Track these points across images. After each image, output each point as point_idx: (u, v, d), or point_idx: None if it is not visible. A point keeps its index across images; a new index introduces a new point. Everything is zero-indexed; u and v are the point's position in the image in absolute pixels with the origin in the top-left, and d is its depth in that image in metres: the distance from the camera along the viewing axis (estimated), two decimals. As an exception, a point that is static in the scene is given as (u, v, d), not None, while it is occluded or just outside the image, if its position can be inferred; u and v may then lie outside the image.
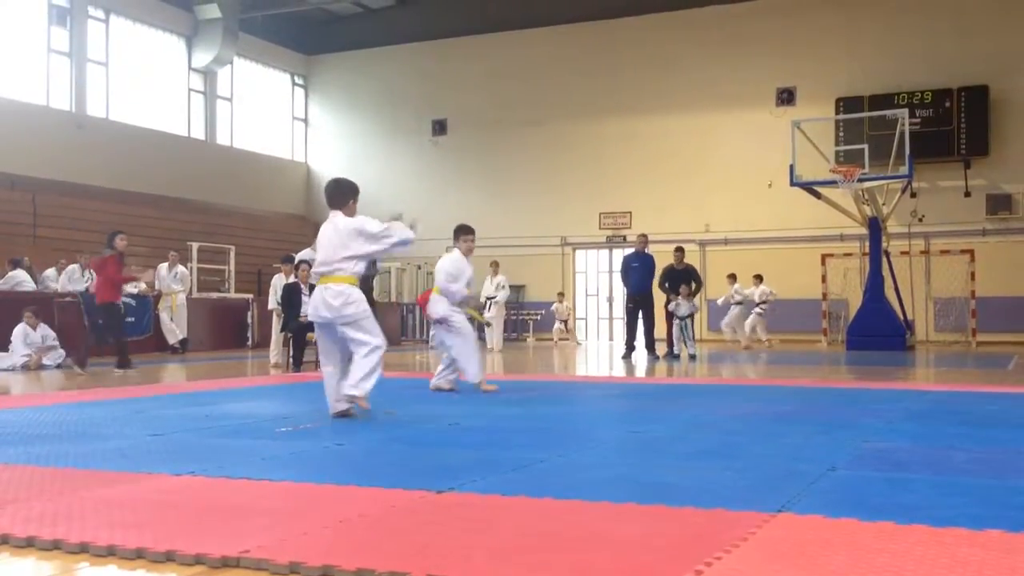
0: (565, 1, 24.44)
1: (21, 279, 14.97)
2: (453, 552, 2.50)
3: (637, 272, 14.37)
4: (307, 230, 22.14)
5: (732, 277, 18.92)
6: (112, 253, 11.22)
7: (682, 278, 14.40)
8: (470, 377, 7.74)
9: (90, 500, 3.22)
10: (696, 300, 14.89)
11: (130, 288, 16.33)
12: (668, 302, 14.39)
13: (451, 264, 7.96)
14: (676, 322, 14.32)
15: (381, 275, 21.57)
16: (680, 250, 14.84)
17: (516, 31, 24.96)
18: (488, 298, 17.10)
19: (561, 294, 22.77)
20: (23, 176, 19.10)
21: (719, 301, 19.57)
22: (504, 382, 9.04)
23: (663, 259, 14.97)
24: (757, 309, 18.77)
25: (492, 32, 25.18)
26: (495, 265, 17.86)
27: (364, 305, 5.83)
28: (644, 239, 14.83)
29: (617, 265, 21.40)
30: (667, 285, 14.37)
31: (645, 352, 14.36)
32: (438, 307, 7.85)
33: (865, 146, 16.75)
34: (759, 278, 19.08)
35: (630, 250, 16.16)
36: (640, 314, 14.40)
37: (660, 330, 14.85)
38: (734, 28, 22.84)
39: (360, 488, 3.43)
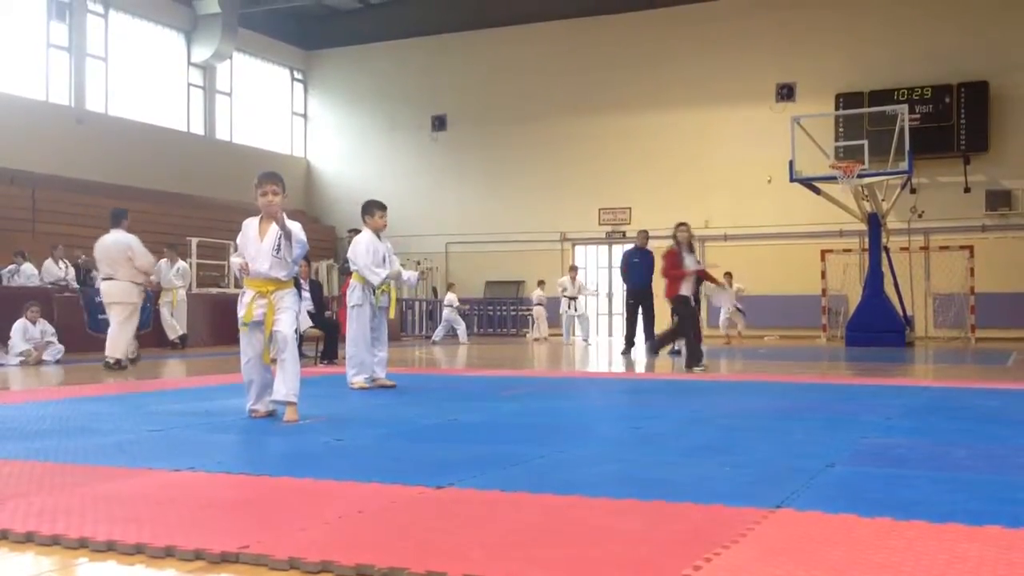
0: (565, -4, 24.46)
1: (32, 272, 15.02)
2: (452, 547, 2.50)
3: (638, 268, 14.36)
4: (307, 225, 22.08)
5: (729, 276, 18.99)
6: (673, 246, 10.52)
7: None
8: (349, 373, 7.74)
9: (89, 495, 3.21)
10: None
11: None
12: None
13: (364, 245, 7.70)
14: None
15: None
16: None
17: (516, 26, 24.94)
18: (570, 298, 19.08)
19: (541, 282, 21.67)
20: (22, 171, 19.09)
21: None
22: (503, 378, 9.06)
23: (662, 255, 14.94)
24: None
25: (492, 28, 25.17)
26: (573, 269, 19.85)
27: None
28: (645, 235, 14.83)
29: (617, 261, 21.44)
30: None
31: (645, 347, 14.35)
32: (353, 294, 7.72)
33: (865, 142, 16.76)
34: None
35: (630, 246, 16.16)
36: (640, 310, 14.41)
37: (665, 325, 14.85)
38: (734, 23, 22.82)
39: (359, 484, 3.43)
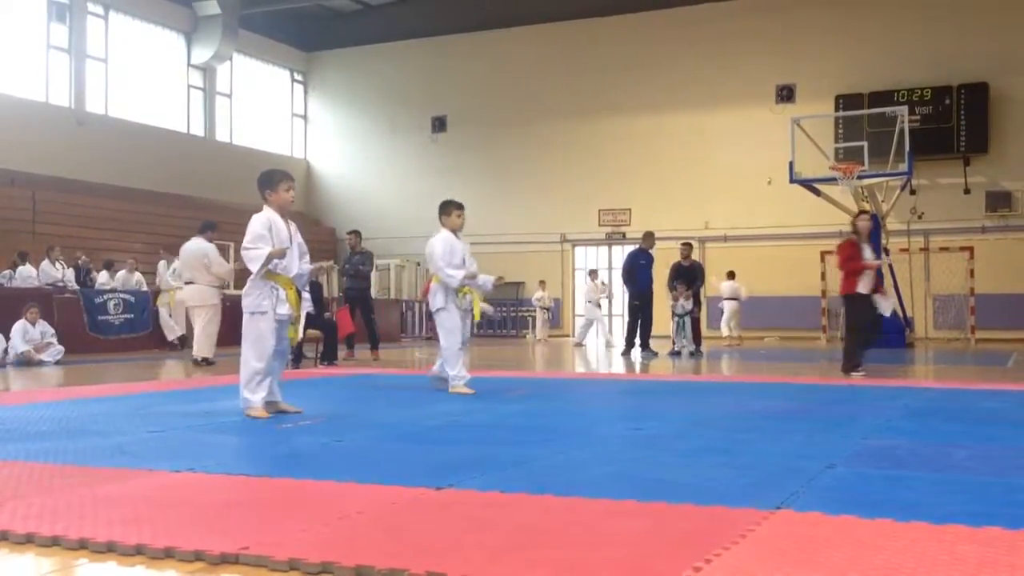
0: (565, -2, 24.48)
1: (30, 274, 15.03)
2: (452, 549, 2.50)
3: (646, 270, 14.32)
4: (307, 226, 22.11)
5: (731, 275, 18.95)
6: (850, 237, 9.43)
7: (689, 275, 14.34)
8: (448, 377, 7.32)
9: (89, 496, 3.21)
10: (699, 297, 14.80)
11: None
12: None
13: (442, 244, 7.30)
14: (675, 319, 14.30)
15: (380, 271, 21.56)
16: (687, 246, 14.82)
17: (516, 28, 24.96)
18: (589, 301, 19.38)
19: (542, 282, 22.13)
20: (22, 172, 19.10)
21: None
22: (504, 379, 9.05)
23: (663, 256, 14.92)
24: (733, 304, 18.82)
25: (492, 29, 25.18)
26: (593, 273, 20.00)
27: (247, 302, 5.70)
28: (652, 237, 14.75)
29: (617, 262, 21.47)
30: (675, 283, 14.30)
31: (642, 350, 14.33)
32: (436, 298, 7.33)
33: (865, 143, 16.78)
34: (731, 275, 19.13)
35: (630, 247, 16.12)
36: (641, 312, 14.38)
37: (665, 327, 14.85)
38: (734, 25, 22.84)
39: (359, 485, 3.43)
